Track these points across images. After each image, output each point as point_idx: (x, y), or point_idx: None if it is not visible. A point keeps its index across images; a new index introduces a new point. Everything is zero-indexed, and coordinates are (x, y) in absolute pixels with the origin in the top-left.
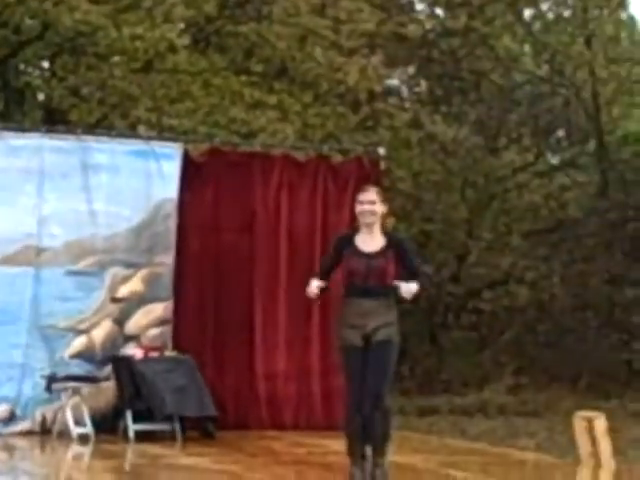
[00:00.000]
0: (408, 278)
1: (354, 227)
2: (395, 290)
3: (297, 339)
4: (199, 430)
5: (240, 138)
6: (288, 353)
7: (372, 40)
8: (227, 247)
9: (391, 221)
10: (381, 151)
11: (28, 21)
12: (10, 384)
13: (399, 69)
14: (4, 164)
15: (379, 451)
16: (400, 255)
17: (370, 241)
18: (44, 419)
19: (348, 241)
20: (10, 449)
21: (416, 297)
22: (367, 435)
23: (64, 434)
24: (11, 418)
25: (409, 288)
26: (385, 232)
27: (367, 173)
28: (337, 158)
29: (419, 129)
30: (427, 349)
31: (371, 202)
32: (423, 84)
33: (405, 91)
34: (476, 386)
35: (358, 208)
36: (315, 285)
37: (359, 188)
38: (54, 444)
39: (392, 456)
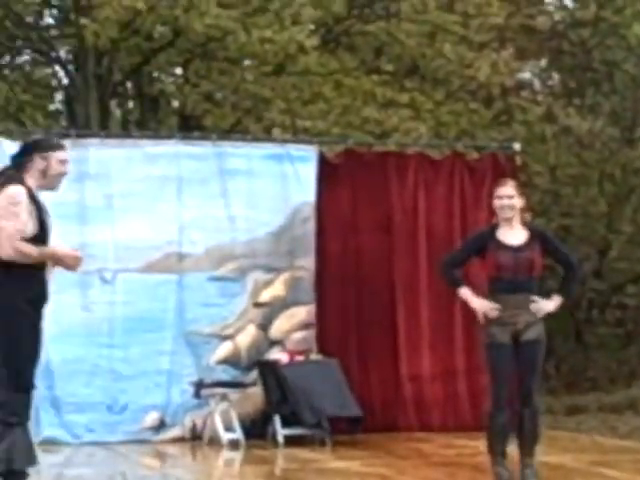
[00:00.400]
0: (564, 270)
1: (492, 224)
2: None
3: (440, 339)
4: (347, 433)
5: (374, 138)
6: (432, 353)
7: (502, 34)
8: (366, 248)
9: (528, 216)
10: (516, 146)
11: (159, 28)
12: (158, 391)
13: (530, 62)
14: (142, 172)
15: (528, 451)
16: (546, 246)
17: (512, 234)
18: (194, 425)
19: (490, 235)
20: (161, 456)
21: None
22: (516, 434)
23: (214, 440)
24: (161, 425)
25: (542, 307)
26: (525, 224)
27: (503, 169)
28: (472, 155)
29: (553, 123)
30: (572, 346)
31: (509, 196)
32: (555, 77)
33: (537, 84)
34: (624, 383)
35: (497, 203)
36: (490, 307)
37: (496, 183)
38: (205, 450)
39: (541, 456)
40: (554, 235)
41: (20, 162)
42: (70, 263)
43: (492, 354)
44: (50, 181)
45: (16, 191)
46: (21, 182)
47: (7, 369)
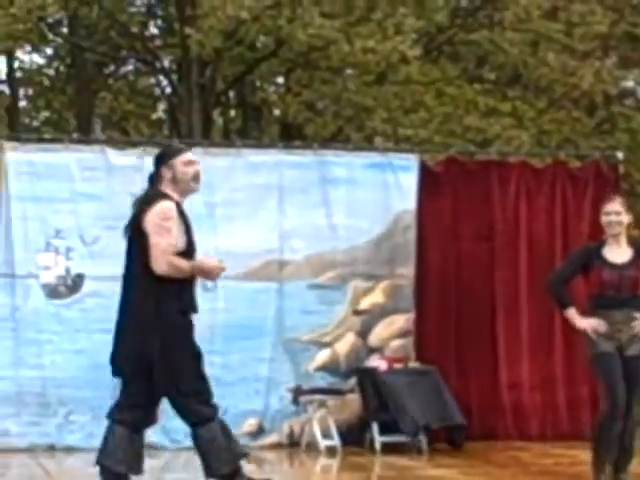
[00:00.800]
0: None
1: (600, 240)
2: None
3: (540, 348)
4: (446, 441)
5: (475, 146)
6: (531, 362)
7: (605, 42)
8: (467, 256)
9: (636, 232)
10: (619, 155)
11: (263, 38)
12: (257, 398)
13: (634, 70)
14: (244, 181)
15: (623, 466)
16: None
17: (618, 252)
18: (292, 432)
19: (596, 252)
20: (259, 462)
21: None
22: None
23: (312, 446)
24: (259, 431)
25: None
26: (632, 242)
27: (606, 178)
28: (574, 163)
29: None
30: None
31: (617, 212)
32: None
33: None
34: None
35: (604, 219)
36: (597, 322)
37: (600, 195)
38: (302, 457)
39: (636, 467)
40: None
41: (153, 179)
42: (215, 274)
43: (602, 362)
44: (183, 187)
45: (167, 206)
46: (168, 197)
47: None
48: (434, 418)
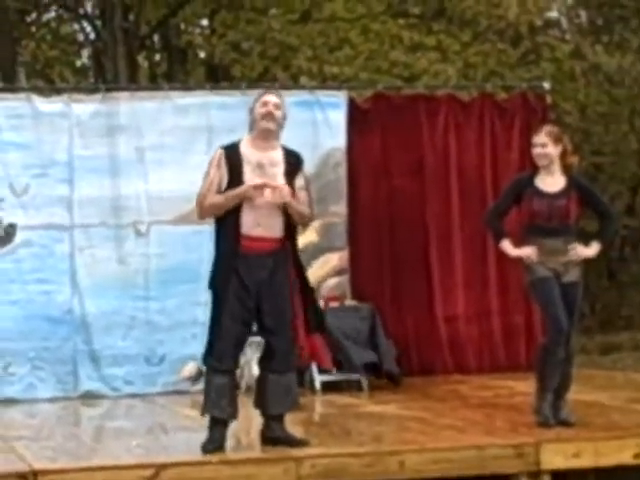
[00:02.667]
0: (600, 220)
1: (533, 169)
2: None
3: (474, 280)
4: (384, 378)
5: (403, 81)
6: (466, 294)
7: None
8: (398, 192)
9: (575, 159)
10: (546, 85)
11: None
12: (195, 342)
13: (558, 0)
14: (172, 124)
15: (563, 393)
16: (584, 196)
17: (550, 181)
18: None
19: (528, 182)
20: (199, 406)
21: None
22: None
23: (252, 389)
24: (199, 376)
25: (581, 252)
26: (567, 171)
27: (533, 108)
28: (501, 95)
29: (582, 60)
30: (606, 285)
31: (543, 145)
32: (583, 14)
33: (565, 22)
34: None
35: (533, 152)
36: (530, 251)
37: (528, 125)
38: (243, 399)
39: (577, 394)
40: (592, 184)
41: None
42: (254, 194)
43: (541, 287)
44: (258, 127)
45: (212, 155)
46: (231, 144)
47: None
48: (371, 356)
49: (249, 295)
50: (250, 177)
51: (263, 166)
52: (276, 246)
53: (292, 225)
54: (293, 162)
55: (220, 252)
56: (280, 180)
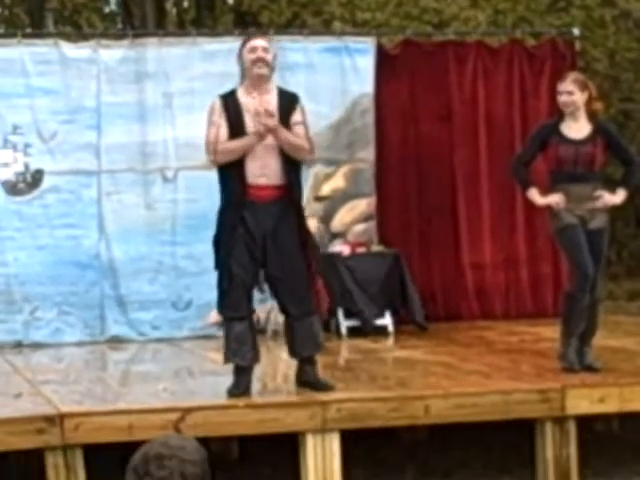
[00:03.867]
0: (624, 167)
1: (558, 116)
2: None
3: (502, 227)
4: (410, 323)
5: (432, 28)
6: (494, 242)
7: None
8: (426, 138)
9: (600, 105)
10: (575, 32)
11: None
12: None
13: None
14: (200, 70)
15: (588, 340)
16: (609, 142)
17: (576, 128)
18: (257, 320)
19: (553, 129)
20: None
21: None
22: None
23: (278, 333)
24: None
25: (607, 200)
26: (592, 117)
27: (562, 55)
28: (531, 42)
29: (612, 7)
30: (633, 232)
31: (569, 92)
32: None
33: None
34: None
35: (559, 99)
36: (557, 198)
37: (557, 72)
38: (268, 344)
39: (603, 340)
40: (617, 130)
41: None
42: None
43: (568, 234)
44: (250, 75)
45: (211, 103)
46: (227, 93)
47: None
48: (397, 303)
49: (255, 243)
50: (252, 125)
51: (260, 114)
52: (281, 193)
53: (294, 170)
54: (287, 102)
55: (227, 202)
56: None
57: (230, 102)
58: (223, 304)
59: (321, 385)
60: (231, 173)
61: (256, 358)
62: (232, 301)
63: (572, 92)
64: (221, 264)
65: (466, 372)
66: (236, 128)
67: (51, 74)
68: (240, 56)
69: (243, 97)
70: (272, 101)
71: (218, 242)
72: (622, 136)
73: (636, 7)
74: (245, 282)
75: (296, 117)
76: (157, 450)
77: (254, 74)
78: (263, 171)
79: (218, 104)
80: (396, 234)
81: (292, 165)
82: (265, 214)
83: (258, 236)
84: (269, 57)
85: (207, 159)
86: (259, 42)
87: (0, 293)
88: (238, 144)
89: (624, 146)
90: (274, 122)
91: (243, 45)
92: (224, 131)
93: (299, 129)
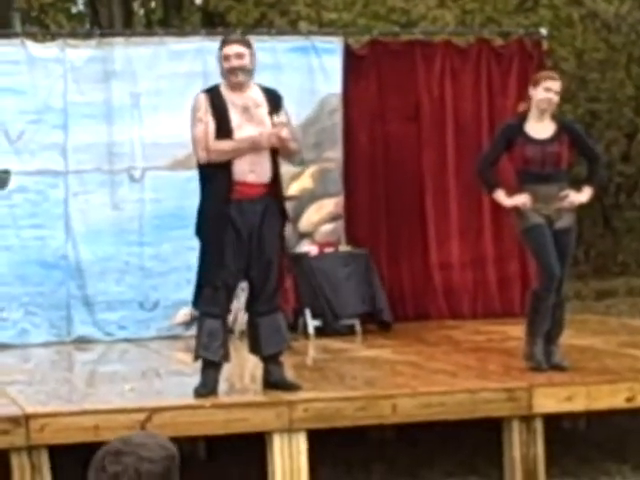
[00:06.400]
0: (589, 164)
1: (520, 115)
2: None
3: (469, 226)
4: (377, 323)
5: (400, 28)
6: (461, 241)
7: None
8: (394, 138)
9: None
10: (543, 31)
11: None
12: (188, 288)
13: None
14: (167, 70)
15: (554, 339)
16: (574, 140)
17: (540, 128)
18: None
19: (518, 129)
20: (192, 350)
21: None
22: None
23: (245, 333)
24: (192, 321)
25: (574, 198)
26: (553, 117)
27: (530, 55)
28: (498, 42)
29: (580, 6)
30: (601, 231)
31: (557, 92)
32: None
33: None
34: None
35: (542, 95)
36: (524, 199)
37: (523, 71)
38: (236, 344)
39: (571, 339)
40: (581, 128)
41: None
42: (261, 140)
43: (534, 235)
44: (228, 79)
45: (194, 98)
46: (210, 88)
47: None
48: (364, 307)
49: (241, 241)
50: (238, 121)
51: (249, 108)
52: (266, 191)
53: (278, 167)
54: (274, 100)
55: (211, 198)
56: (267, 120)
57: (215, 98)
58: (199, 298)
59: (288, 385)
60: (217, 169)
61: (226, 357)
62: (209, 297)
63: (559, 92)
64: (205, 259)
65: (434, 371)
66: (222, 124)
67: (18, 74)
68: (219, 58)
69: (227, 93)
70: (259, 98)
71: (202, 238)
72: (589, 136)
73: (603, 7)
74: (228, 281)
75: (282, 117)
76: (116, 446)
77: (231, 82)
78: (253, 168)
79: (203, 100)
80: (364, 234)
81: (276, 162)
82: (251, 211)
83: (244, 233)
84: (245, 62)
85: (195, 156)
86: (232, 49)
87: None
88: (233, 146)
89: (589, 143)
90: (287, 134)
91: (220, 48)
92: (212, 128)
93: (289, 131)
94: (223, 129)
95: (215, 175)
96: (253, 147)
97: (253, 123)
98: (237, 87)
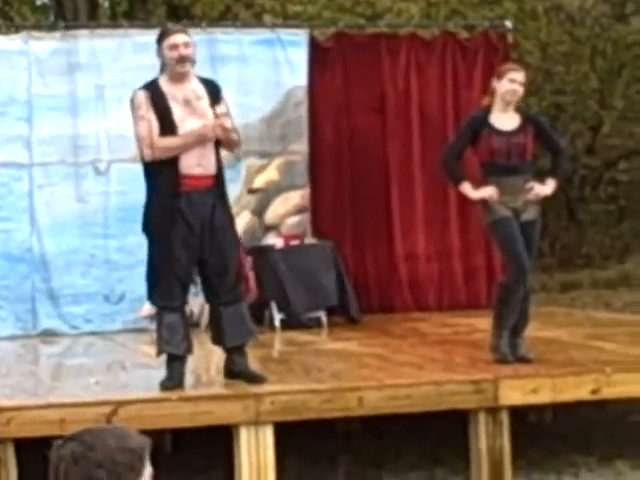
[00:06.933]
0: (552, 156)
1: (485, 108)
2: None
3: (435, 218)
4: (343, 316)
5: (365, 20)
6: (427, 233)
7: None
8: (360, 130)
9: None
10: (508, 24)
11: None
12: None
13: None
14: (132, 62)
15: (520, 331)
16: (539, 131)
17: (505, 119)
18: (191, 313)
19: (484, 120)
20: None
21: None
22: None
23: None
24: None
25: (539, 191)
26: (518, 109)
27: (495, 47)
28: (463, 34)
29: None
30: (566, 224)
31: (522, 84)
32: None
33: None
34: (617, 259)
35: (508, 86)
36: (490, 191)
37: (488, 63)
38: (202, 337)
39: (536, 331)
40: (546, 120)
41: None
42: (212, 131)
43: (502, 227)
44: (172, 71)
45: (133, 95)
46: (149, 84)
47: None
48: (331, 296)
49: (193, 233)
50: (180, 115)
51: (190, 101)
52: (214, 182)
53: (220, 160)
54: (214, 91)
55: (158, 193)
56: (209, 112)
57: (154, 93)
58: (155, 293)
59: (252, 376)
60: (163, 165)
61: (189, 349)
62: (165, 291)
63: (524, 84)
64: (156, 254)
65: (400, 363)
66: (165, 120)
67: None
68: (159, 50)
69: (167, 87)
70: (199, 90)
71: (151, 233)
72: (554, 129)
73: (567, 0)
74: (180, 274)
75: (223, 108)
76: (85, 439)
77: (177, 72)
78: (200, 161)
79: (142, 97)
80: (330, 226)
81: (219, 153)
82: (200, 203)
83: (196, 226)
84: (191, 52)
85: (139, 154)
86: (179, 38)
87: None
88: (179, 142)
89: (553, 136)
90: (230, 123)
91: (161, 39)
92: (155, 125)
93: (228, 122)
94: (166, 124)
95: (161, 171)
96: (199, 140)
97: (195, 116)
98: (181, 78)
